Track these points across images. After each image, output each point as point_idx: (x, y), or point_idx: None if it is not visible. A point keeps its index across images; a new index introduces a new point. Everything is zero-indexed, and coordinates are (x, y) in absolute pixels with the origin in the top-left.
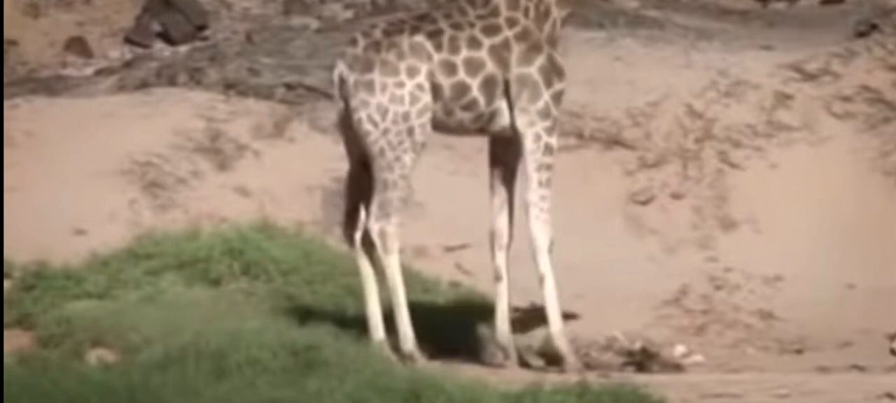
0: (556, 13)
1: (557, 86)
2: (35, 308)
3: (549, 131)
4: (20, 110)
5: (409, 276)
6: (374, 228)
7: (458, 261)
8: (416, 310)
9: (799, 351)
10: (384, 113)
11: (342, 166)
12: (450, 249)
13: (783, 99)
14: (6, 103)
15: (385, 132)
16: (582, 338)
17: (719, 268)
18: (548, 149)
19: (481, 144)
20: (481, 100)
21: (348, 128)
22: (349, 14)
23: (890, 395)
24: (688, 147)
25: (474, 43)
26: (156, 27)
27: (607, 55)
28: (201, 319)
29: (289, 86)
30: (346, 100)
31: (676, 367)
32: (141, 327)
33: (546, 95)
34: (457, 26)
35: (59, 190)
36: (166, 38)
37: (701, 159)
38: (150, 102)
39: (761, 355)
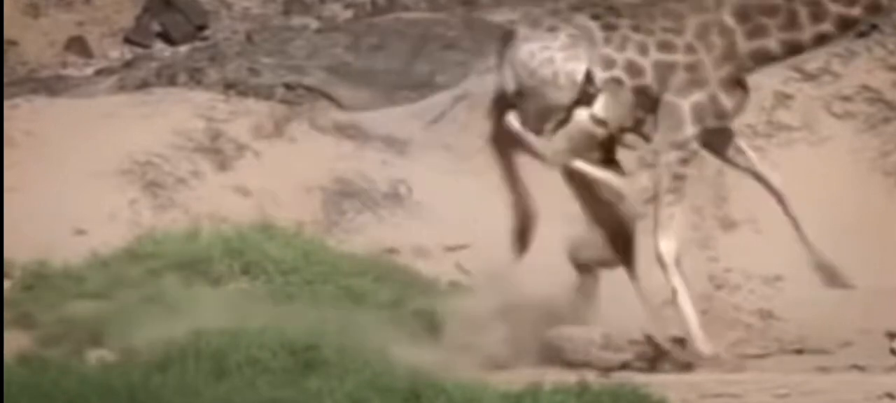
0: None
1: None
2: (35, 308)
3: None
4: (20, 110)
5: (410, 276)
6: None
7: (458, 261)
8: (415, 310)
9: (799, 351)
10: None
11: (342, 166)
12: (450, 249)
13: (783, 99)
14: (6, 103)
15: None
16: (582, 337)
17: (719, 268)
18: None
19: (482, 144)
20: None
21: None
22: (349, 14)
23: (890, 395)
24: None
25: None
26: (156, 27)
27: None
28: (201, 319)
29: (289, 87)
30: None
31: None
32: (141, 327)
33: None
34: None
35: (59, 190)
36: (166, 38)
37: (701, 159)
38: (150, 102)
39: (761, 355)
